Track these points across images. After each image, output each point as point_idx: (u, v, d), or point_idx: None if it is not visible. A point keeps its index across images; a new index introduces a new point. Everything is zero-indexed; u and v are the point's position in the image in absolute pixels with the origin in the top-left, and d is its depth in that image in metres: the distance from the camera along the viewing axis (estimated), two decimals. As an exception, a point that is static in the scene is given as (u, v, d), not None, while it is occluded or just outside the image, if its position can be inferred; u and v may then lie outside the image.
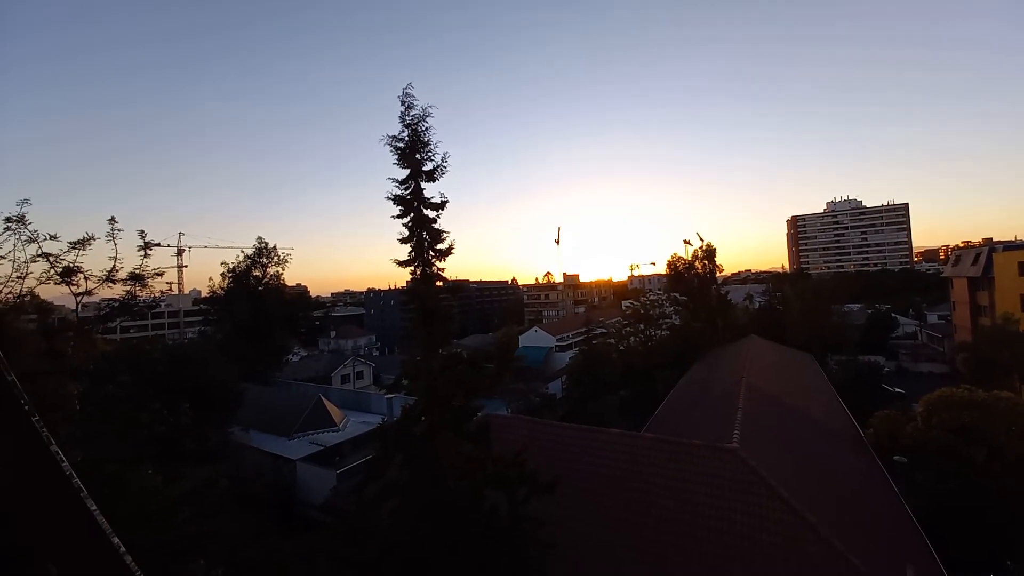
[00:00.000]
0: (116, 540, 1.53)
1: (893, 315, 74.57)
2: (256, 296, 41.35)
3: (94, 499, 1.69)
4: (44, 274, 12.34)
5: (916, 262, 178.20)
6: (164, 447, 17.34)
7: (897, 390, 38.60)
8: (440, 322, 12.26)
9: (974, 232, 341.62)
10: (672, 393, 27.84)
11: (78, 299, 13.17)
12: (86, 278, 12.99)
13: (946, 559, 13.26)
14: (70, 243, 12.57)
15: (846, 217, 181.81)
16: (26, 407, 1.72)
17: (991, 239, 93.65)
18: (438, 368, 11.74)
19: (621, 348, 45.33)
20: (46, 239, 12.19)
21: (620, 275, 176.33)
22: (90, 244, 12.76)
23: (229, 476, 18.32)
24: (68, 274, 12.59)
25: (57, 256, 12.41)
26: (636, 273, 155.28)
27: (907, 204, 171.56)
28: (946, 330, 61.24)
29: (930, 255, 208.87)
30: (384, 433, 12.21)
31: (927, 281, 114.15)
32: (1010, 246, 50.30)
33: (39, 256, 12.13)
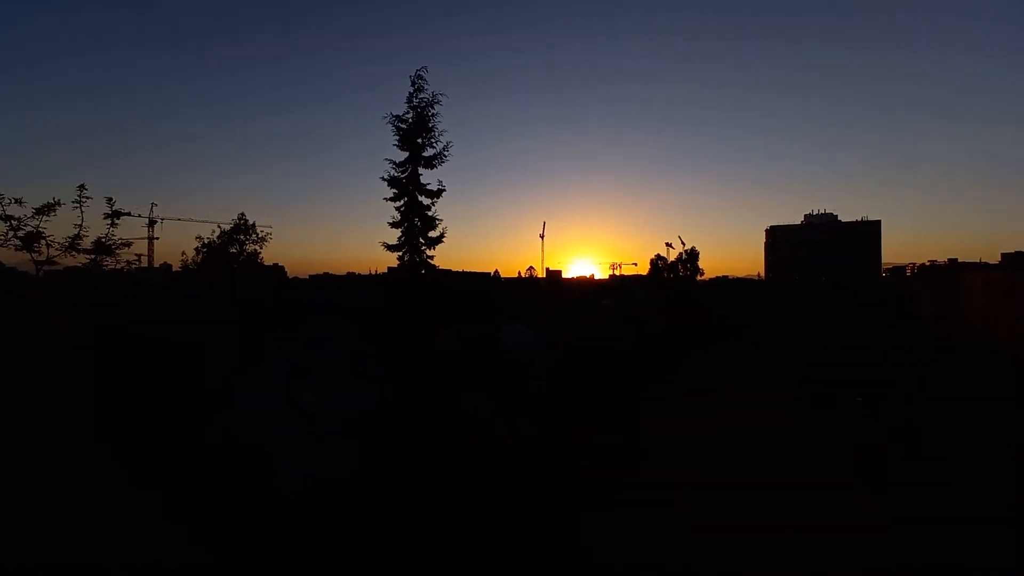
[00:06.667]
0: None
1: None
2: (231, 274, 40.02)
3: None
4: (2, 237, 11.56)
5: (884, 277, 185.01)
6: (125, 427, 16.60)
7: (858, 399, 39.99)
8: (424, 311, 12.05)
9: (940, 252, 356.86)
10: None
11: (39, 268, 12.39)
12: (48, 245, 12.15)
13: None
14: (35, 208, 11.71)
15: (822, 230, 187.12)
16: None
17: (955, 259, 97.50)
18: (419, 358, 11.55)
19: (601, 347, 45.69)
20: (11, 203, 11.36)
21: (601, 274, 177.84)
22: (55, 210, 11.92)
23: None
24: (31, 240, 11.78)
25: (20, 220, 11.58)
26: (617, 273, 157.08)
27: (879, 221, 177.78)
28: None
29: (897, 272, 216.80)
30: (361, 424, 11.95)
31: (894, 297, 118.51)
32: (975, 267, 52.54)
33: (1, 219, 11.37)
